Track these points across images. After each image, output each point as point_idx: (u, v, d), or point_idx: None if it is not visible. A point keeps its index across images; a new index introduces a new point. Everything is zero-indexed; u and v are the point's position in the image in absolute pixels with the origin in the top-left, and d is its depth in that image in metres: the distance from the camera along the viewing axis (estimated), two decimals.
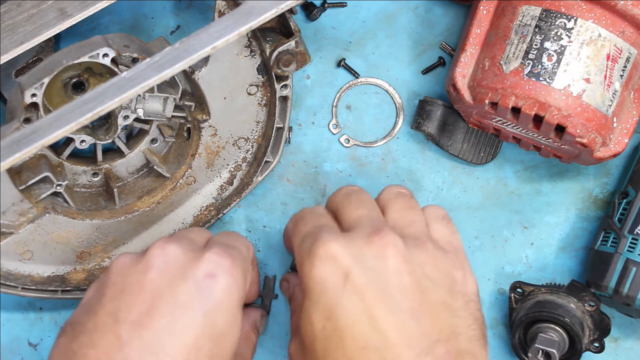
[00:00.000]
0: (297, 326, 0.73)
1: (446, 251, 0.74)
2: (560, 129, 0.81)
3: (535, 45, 0.80)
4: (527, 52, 0.80)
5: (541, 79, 0.80)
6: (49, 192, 0.82)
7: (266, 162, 0.88)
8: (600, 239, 0.89)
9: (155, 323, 0.67)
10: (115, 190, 0.85)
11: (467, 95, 0.85)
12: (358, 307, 0.68)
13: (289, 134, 0.89)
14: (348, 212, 0.75)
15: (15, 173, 0.80)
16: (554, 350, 0.85)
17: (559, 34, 0.80)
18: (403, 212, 0.76)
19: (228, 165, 0.88)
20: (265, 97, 0.85)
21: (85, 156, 0.87)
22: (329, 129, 0.94)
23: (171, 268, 0.70)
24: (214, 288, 0.70)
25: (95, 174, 0.86)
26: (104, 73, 0.80)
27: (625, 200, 0.89)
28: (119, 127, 0.82)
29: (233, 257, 0.72)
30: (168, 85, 0.81)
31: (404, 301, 0.69)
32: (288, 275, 0.86)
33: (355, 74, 0.94)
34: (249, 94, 0.84)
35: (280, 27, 0.82)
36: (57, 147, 0.84)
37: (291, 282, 0.84)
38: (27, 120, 0.76)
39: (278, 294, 0.92)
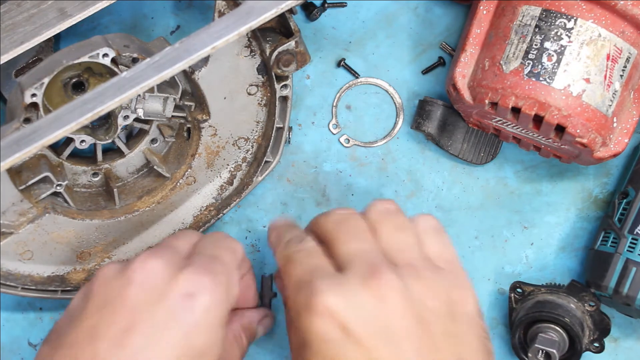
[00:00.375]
0: (296, 347, 0.71)
1: (441, 271, 0.72)
2: (560, 129, 0.81)
3: (535, 45, 0.80)
4: (527, 52, 0.80)
5: (541, 79, 0.80)
6: (49, 192, 0.82)
7: (266, 162, 0.88)
8: (600, 239, 0.89)
9: (133, 342, 0.67)
10: (115, 190, 0.85)
11: (467, 95, 0.85)
12: (362, 357, 0.67)
13: (289, 134, 0.89)
14: (340, 245, 0.73)
15: (15, 173, 0.80)
16: (554, 350, 0.85)
17: (559, 34, 0.80)
18: (394, 235, 0.74)
19: (228, 165, 0.88)
20: (265, 97, 0.85)
21: (85, 156, 0.87)
22: (329, 129, 0.94)
23: (151, 284, 0.69)
24: (193, 308, 0.69)
25: (95, 174, 0.86)
26: (104, 73, 0.80)
27: (625, 200, 0.89)
28: (119, 127, 0.82)
29: (214, 273, 0.71)
30: (168, 85, 0.81)
31: (408, 343, 0.67)
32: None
33: (355, 74, 0.94)
34: (249, 94, 0.84)
35: (280, 27, 0.82)
36: (57, 147, 0.84)
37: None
38: (27, 120, 0.76)
39: (277, 292, 0.92)
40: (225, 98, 0.84)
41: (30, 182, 0.80)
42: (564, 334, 0.87)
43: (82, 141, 0.82)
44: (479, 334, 0.71)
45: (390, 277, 0.69)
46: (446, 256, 0.74)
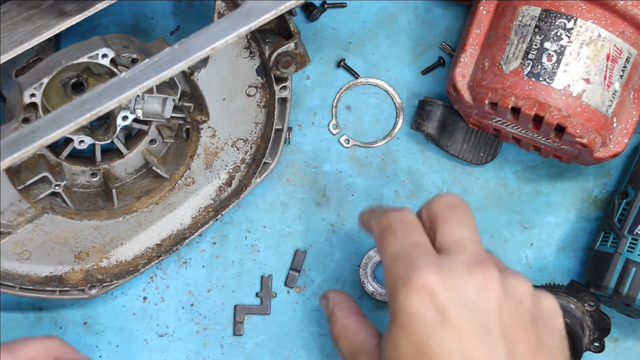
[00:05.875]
0: (352, 347, 0.71)
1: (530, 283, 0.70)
2: (560, 129, 0.81)
3: (535, 45, 0.80)
4: (527, 52, 0.80)
5: (541, 79, 0.79)
6: (47, 192, 0.82)
7: (265, 163, 0.88)
8: (600, 239, 0.89)
9: None
10: (113, 190, 0.86)
11: (467, 95, 0.85)
12: (455, 346, 0.64)
13: (288, 135, 0.89)
14: (449, 229, 0.69)
15: (13, 173, 0.80)
16: None
17: (558, 34, 0.80)
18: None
19: (227, 166, 0.89)
20: (264, 99, 0.85)
21: (84, 156, 0.87)
22: (329, 130, 0.94)
23: None
24: None
25: (93, 174, 0.86)
26: (103, 73, 0.80)
27: (625, 201, 0.89)
28: (118, 128, 0.82)
29: None
30: (167, 86, 0.81)
31: (504, 341, 0.64)
32: (329, 293, 0.80)
33: (355, 75, 0.94)
34: (248, 95, 0.85)
35: (280, 29, 0.82)
36: (55, 147, 0.84)
37: (331, 300, 0.79)
38: (26, 120, 0.77)
39: (277, 293, 0.92)
40: (224, 99, 0.84)
41: (28, 182, 0.80)
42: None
43: (81, 141, 0.82)
44: (566, 354, 0.69)
45: (494, 270, 0.66)
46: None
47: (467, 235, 0.69)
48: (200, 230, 0.89)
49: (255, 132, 0.87)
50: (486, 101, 0.82)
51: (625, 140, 0.84)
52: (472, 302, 0.65)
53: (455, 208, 0.71)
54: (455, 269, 0.66)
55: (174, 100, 0.82)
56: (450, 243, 0.68)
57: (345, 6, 0.94)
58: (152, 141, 0.87)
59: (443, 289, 0.64)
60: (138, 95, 0.80)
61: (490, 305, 0.65)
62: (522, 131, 0.85)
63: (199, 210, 0.90)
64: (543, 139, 0.84)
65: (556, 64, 0.79)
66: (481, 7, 0.85)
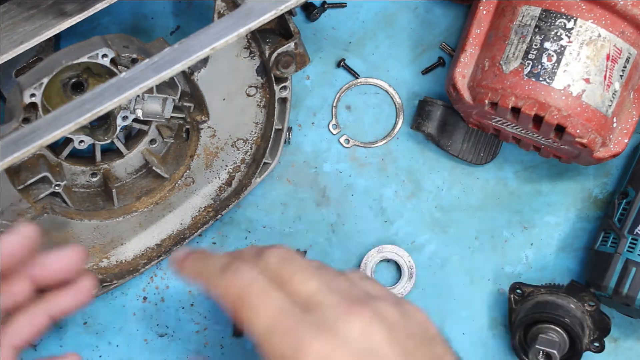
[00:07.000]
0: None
1: (393, 300, 0.69)
2: (560, 129, 0.81)
3: (535, 45, 0.80)
4: (526, 52, 0.80)
5: (541, 79, 0.79)
6: (47, 192, 0.82)
7: (265, 163, 0.88)
8: (600, 239, 0.89)
9: None
10: (113, 190, 0.86)
11: (467, 95, 0.85)
12: None
13: (288, 135, 0.89)
14: (298, 284, 0.67)
15: (13, 173, 0.80)
16: (555, 351, 0.85)
17: (558, 34, 0.80)
18: (336, 277, 0.69)
19: (227, 166, 0.89)
20: (264, 99, 0.85)
21: (84, 156, 0.87)
22: (329, 130, 0.94)
23: None
24: None
25: (93, 174, 0.86)
26: (103, 73, 0.80)
27: (625, 201, 0.89)
28: (118, 128, 0.82)
29: None
30: (167, 86, 0.81)
31: None
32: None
33: (355, 75, 0.94)
34: (248, 95, 0.85)
35: (280, 29, 0.83)
36: (55, 147, 0.84)
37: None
38: (26, 120, 0.77)
39: None
40: (224, 99, 0.84)
41: (28, 182, 0.80)
42: (564, 335, 0.86)
43: (81, 141, 0.82)
44: (453, 354, 0.69)
45: (366, 308, 0.65)
46: (379, 290, 0.71)
47: (318, 284, 0.67)
48: (200, 230, 0.89)
49: (255, 132, 0.87)
50: (486, 101, 0.82)
51: (625, 140, 0.84)
52: (362, 347, 0.64)
53: (289, 261, 0.69)
54: (335, 324, 0.64)
55: (174, 100, 0.82)
56: (308, 297, 0.66)
57: (345, 6, 0.94)
58: (152, 141, 0.87)
59: (335, 350, 0.63)
60: (138, 95, 0.80)
61: (378, 344, 0.64)
62: (522, 131, 0.85)
63: (199, 210, 0.90)
64: (543, 139, 0.84)
65: (556, 64, 0.79)
66: (481, 7, 0.85)
